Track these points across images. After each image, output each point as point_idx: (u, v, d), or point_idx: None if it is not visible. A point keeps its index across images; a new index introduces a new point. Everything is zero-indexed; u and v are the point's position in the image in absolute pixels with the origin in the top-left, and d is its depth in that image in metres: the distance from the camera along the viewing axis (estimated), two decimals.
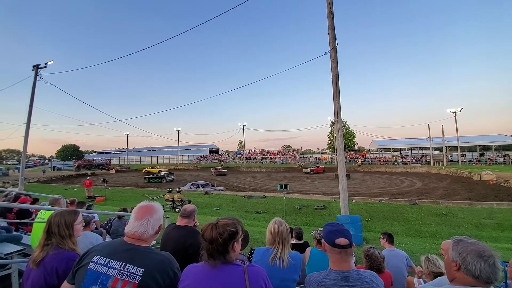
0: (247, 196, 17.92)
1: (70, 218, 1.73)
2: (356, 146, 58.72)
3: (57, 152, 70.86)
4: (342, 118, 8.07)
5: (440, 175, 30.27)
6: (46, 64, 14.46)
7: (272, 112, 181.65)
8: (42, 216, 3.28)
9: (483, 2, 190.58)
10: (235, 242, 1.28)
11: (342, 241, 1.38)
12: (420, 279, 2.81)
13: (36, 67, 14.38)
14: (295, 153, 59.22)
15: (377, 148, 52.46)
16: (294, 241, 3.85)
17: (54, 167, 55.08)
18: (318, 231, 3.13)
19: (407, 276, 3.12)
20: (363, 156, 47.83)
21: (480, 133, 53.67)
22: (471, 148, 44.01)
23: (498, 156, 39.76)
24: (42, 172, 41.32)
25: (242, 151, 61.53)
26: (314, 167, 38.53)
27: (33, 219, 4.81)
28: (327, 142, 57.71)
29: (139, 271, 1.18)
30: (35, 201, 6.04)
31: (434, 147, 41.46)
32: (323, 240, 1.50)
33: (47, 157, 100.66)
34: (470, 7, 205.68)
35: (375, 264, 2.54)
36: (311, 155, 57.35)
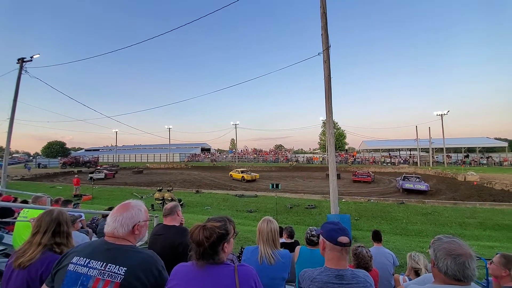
0: (238, 195, 17.89)
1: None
2: (346, 147, 59.43)
3: (42, 149, 68.02)
4: (333, 119, 8.14)
5: (427, 175, 31.06)
6: (31, 57, 13.94)
7: (265, 112, 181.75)
8: (25, 215, 3.16)
9: (472, 3, 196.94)
10: (225, 243, 1.25)
11: (344, 239, 1.40)
12: (406, 277, 2.89)
13: (21, 60, 13.85)
14: (287, 152, 59.55)
15: (367, 149, 53.35)
16: (285, 239, 3.88)
17: (39, 164, 53.27)
18: (310, 230, 3.15)
19: (393, 274, 3.20)
20: (353, 156, 48.49)
21: (465, 135, 55.82)
22: (456, 150, 45.47)
23: (482, 157, 41.19)
24: (28, 170, 39.79)
25: (234, 150, 61.24)
26: None
27: (15, 218, 4.63)
28: (319, 142, 58.22)
29: (122, 270, 1.15)
30: (16, 200, 5.81)
31: (421, 149, 42.51)
32: (322, 238, 1.50)
33: (31, 154, 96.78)
34: (463, 8, 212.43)
35: (362, 262, 2.59)
36: (302, 155, 57.76)
